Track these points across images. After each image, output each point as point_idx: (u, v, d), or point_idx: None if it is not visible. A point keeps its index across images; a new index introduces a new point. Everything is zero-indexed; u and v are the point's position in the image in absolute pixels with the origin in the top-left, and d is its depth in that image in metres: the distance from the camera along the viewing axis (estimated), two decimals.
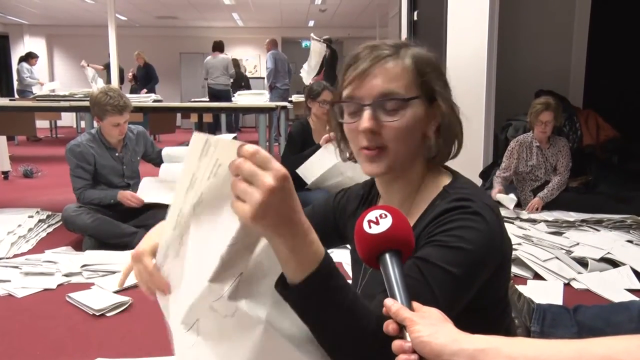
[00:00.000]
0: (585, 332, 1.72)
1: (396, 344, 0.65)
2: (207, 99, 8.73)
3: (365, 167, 0.94)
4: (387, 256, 0.74)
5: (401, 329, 0.67)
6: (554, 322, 1.80)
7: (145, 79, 10.03)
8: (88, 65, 8.28)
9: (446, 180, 0.97)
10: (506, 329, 0.99)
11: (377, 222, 0.75)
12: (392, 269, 0.73)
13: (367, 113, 0.89)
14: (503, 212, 3.45)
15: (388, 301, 0.69)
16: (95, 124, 3.21)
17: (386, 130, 0.90)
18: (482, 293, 0.87)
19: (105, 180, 3.15)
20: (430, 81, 0.93)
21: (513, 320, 1.04)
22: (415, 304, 0.70)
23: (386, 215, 0.76)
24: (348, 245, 1.11)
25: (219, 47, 8.89)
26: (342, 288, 0.74)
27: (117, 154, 3.18)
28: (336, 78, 1.00)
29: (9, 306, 2.22)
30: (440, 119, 0.95)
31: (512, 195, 3.71)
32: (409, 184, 0.98)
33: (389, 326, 0.67)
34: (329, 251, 0.74)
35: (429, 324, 0.65)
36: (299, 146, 3.57)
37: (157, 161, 3.44)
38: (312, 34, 8.39)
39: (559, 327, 1.77)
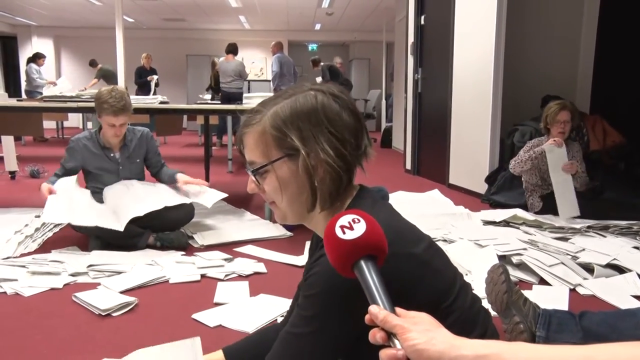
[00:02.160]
0: (590, 338, 1.72)
1: (387, 353, 0.62)
2: (214, 102, 8.75)
3: None
4: (363, 263, 0.71)
5: (389, 337, 0.63)
6: (560, 328, 1.79)
7: (148, 83, 9.95)
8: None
9: None
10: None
11: (350, 227, 0.72)
12: (369, 275, 0.70)
13: (250, 178, 1.03)
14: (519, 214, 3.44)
15: (373, 308, 0.66)
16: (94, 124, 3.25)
17: (265, 190, 1.02)
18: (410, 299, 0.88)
19: (100, 180, 3.16)
20: (289, 139, 0.97)
21: (461, 320, 1.02)
22: (399, 310, 0.67)
23: (359, 220, 0.73)
24: None
25: (232, 50, 8.74)
26: None
27: (112, 155, 3.17)
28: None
29: (15, 305, 2.23)
30: (323, 165, 0.98)
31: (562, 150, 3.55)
32: (319, 224, 1.04)
33: (377, 335, 0.64)
34: None
35: (423, 330, 0.62)
36: None
37: (153, 169, 3.40)
38: None
39: (564, 332, 1.76)
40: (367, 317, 0.66)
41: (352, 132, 0.99)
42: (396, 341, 0.62)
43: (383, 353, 0.62)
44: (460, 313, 0.96)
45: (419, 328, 0.62)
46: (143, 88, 9.95)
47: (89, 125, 7.85)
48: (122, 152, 3.21)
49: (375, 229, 0.73)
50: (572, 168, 3.50)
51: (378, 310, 0.65)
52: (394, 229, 0.90)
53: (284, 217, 1.05)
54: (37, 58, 10.09)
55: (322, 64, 10.05)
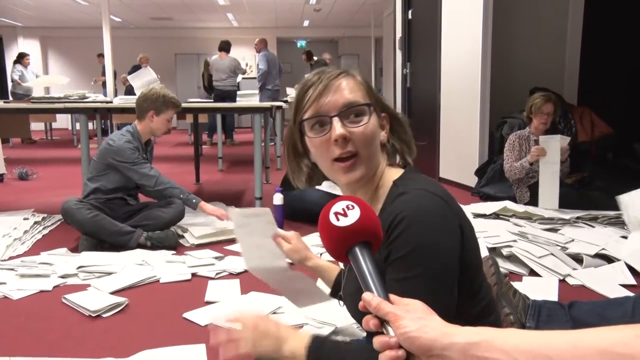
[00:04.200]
0: (580, 327, 1.72)
1: (380, 340, 0.62)
2: (205, 100, 8.69)
3: (342, 178, 0.99)
4: (358, 249, 0.71)
5: (382, 324, 0.63)
6: (549, 318, 1.80)
7: None
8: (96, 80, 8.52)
9: (396, 175, 1.02)
10: (477, 315, 0.99)
11: (344, 213, 0.72)
12: (364, 262, 0.70)
13: (337, 123, 0.97)
14: (513, 207, 3.46)
15: (366, 295, 0.66)
16: (112, 126, 3.24)
17: (355, 137, 0.97)
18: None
19: (131, 179, 3.16)
20: (375, 95, 1.05)
21: (490, 306, 1.03)
22: (393, 297, 0.67)
23: (353, 207, 0.73)
24: None
25: (225, 47, 8.60)
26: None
27: (145, 155, 3.23)
28: None
29: (4, 308, 2.21)
30: (388, 126, 1.06)
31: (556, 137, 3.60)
32: (371, 188, 1.03)
33: (370, 322, 0.64)
34: None
35: (415, 318, 0.62)
36: None
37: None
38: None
39: (554, 323, 1.78)
40: (360, 304, 0.66)
41: None
42: (389, 328, 0.62)
43: (376, 340, 0.63)
44: (486, 293, 1.02)
45: (411, 316, 0.62)
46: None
47: (77, 126, 7.78)
48: (149, 151, 3.33)
49: (370, 215, 0.73)
50: (565, 153, 3.60)
51: (371, 297, 0.65)
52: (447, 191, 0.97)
53: (365, 170, 0.99)
54: (21, 58, 10.02)
55: (315, 58, 10.01)
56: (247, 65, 8.86)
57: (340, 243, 0.72)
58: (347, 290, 1.05)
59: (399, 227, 0.87)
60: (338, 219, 0.72)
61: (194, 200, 3.13)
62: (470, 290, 0.96)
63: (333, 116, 0.97)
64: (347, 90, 0.99)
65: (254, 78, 9.38)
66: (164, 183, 3.11)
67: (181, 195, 3.13)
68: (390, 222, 0.89)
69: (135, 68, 10.01)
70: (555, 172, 3.55)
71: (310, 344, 0.95)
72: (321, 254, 2.87)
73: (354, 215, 0.72)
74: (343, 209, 0.72)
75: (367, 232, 0.72)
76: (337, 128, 0.96)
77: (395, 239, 0.88)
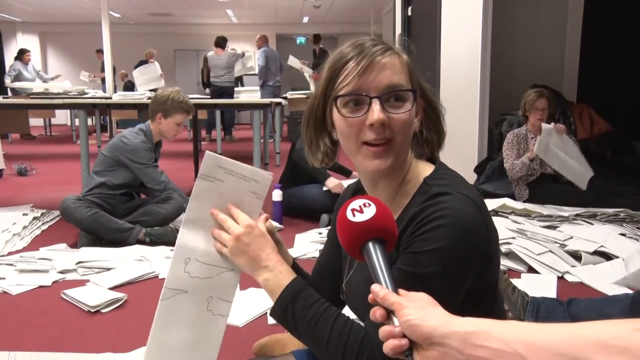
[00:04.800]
0: None
1: (385, 329, 0.64)
2: (204, 96, 8.66)
3: (369, 164, 0.90)
4: (371, 244, 0.73)
5: (389, 315, 0.66)
6: (548, 315, 1.81)
7: None
8: (94, 77, 8.55)
9: (427, 171, 0.95)
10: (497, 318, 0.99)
11: (360, 210, 0.75)
12: (376, 257, 0.72)
13: (377, 105, 0.87)
14: (514, 205, 3.47)
15: (375, 287, 0.68)
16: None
17: (393, 123, 0.88)
18: (472, 285, 0.87)
19: (138, 178, 3.17)
20: (417, 77, 0.95)
21: (504, 311, 1.04)
22: (401, 290, 0.69)
23: (370, 204, 0.76)
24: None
25: (221, 43, 8.48)
26: (306, 307, 0.90)
27: (154, 154, 3.24)
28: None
29: (3, 303, 2.21)
30: (422, 114, 0.97)
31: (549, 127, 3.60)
32: (396, 180, 0.96)
33: (377, 312, 0.66)
34: None
35: (418, 307, 0.64)
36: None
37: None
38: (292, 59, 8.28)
39: (552, 319, 1.78)
40: (370, 296, 0.68)
41: None
42: (394, 319, 0.65)
43: (381, 330, 0.65)
44: (501, 298, 1.02)
45: (414, 305, 0.65)
46: None
47: (77, 122, 7.79)
48: (157, 150, 3.32)
49: (386, 213, 0.75)
50: (560, 128, 3.61)
51: (379, 289, 0.68)
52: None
53: (395, 159, 0.91)
54: (22, 54, 9.99)
55: (321, 46, 9.99)
56: (242, 53, 8.62)
57: (355, 238, 0.74)
58: (350, 286, 1.04)
59: (433, 223, 0.83)
60: (354, 215, 0.75)
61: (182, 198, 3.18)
62: (491, 296, 0.96)
63: (373, 97, 0.88)
64: (391, 70, 0.90)
65: (255, 75, 9.35)
66: (172, 189, 3.18)
67: (184, 205, 3.16)
68: (423, 217, 0.84)
69: (142, 64, 10.00)
70: (566, 158, 3.58)
71: (284, 290, 0.92)
72: (320, 251, 2.87)
73: (370, 212, 0.74)
74: (360, 206, 0.75)
75: (382, 229, 0.74)
76: (376, 112, 0.87)
77: (424, 232, 0.84)
